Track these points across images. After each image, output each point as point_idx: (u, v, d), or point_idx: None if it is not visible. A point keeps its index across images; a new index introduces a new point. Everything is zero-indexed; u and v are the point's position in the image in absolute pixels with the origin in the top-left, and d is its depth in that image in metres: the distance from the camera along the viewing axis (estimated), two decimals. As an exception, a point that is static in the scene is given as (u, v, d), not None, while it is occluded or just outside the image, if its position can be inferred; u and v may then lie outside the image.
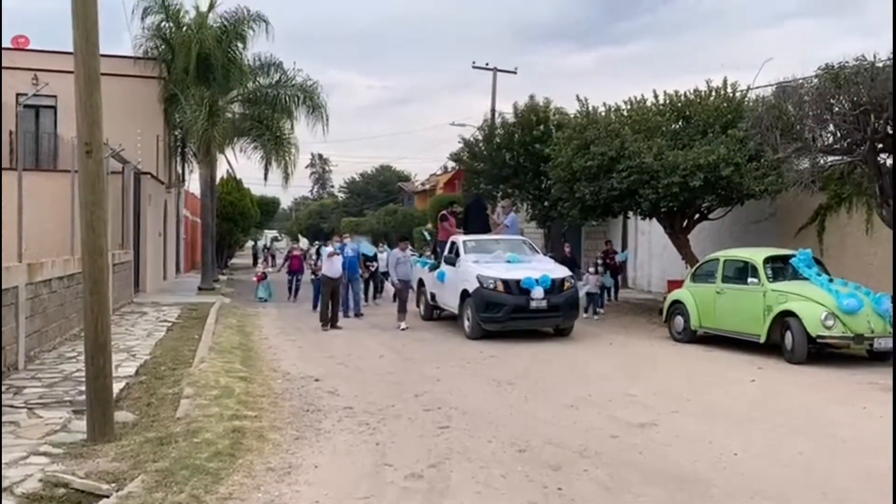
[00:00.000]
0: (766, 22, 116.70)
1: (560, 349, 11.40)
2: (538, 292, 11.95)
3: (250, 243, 56.00)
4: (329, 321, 13.84)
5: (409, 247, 15.16)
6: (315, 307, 16.29)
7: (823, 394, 8.21)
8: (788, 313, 10.20)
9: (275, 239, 56.38)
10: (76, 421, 6.24)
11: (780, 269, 11.19)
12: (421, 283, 15.56)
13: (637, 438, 6.26)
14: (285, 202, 74.10)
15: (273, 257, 35.99)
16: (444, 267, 14.00)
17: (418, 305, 15.65)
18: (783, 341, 10.28)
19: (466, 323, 12.54)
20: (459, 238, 14.15)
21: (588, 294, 15.79)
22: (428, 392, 8.05)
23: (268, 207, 46.10)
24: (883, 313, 10.01)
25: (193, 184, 31.05)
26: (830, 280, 10.65)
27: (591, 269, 16.37)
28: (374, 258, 18.99)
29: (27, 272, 9.09)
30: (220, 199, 29.65)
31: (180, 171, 28.04)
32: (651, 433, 6.43)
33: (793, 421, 6.90)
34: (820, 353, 10.09)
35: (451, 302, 13.51)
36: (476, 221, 16.00)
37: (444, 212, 16.74)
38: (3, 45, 12.39)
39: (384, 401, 7.55)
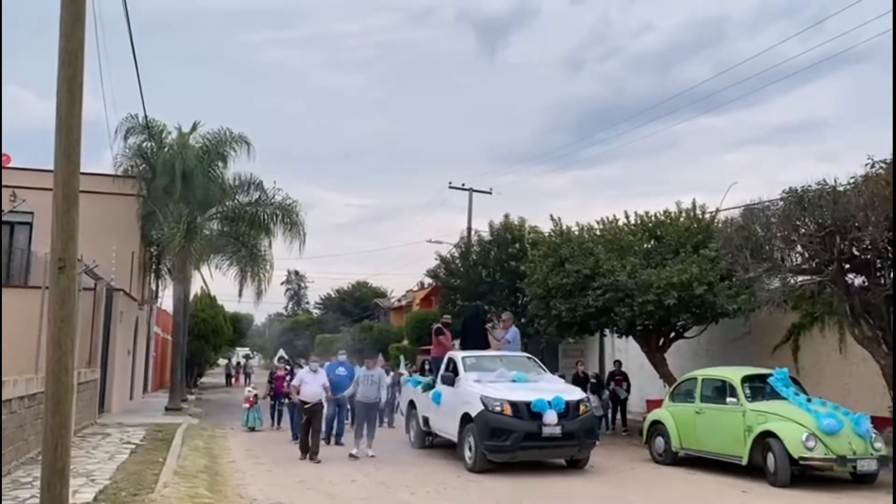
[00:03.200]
0: (727, 148, 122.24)
1: (538, 473, 11.02)
2: (551, 417, 10.56)
3: (222, 361, 54.84)
4: (308, 451, 12.12)
5: (381, 364, 13.46)
6: (296, 437, 14.24)
7: (811, 519, 7.97)
8: (769, 434, 10.04)
9: (247, 357, 55.28)
10: (25, 554, 5.81)
11: (759, 388, 11.11)
12: (412, 405, 13.96)
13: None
14: (259, 319, 73.52)
15: (248, 377, 34.58)
16: (440, 387, 12.53)
17: (408, 431, 14.14)
18: (765, 463, 10.07)
19: (468, 453, 11.02)
20: (457, 354, 12.77)
21: None
22: (403, 519, 7.68)
23: (241, 324, 45.62)
24: (863, 434, 9.89)
25: (166, 300, 30.76)
26: (809, 399, 10.58)
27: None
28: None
29: (-13, 392, 8.73)
30: (193, 317, 29.40)
31: (154, 288, 27.81)
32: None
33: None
34: (803, 475, 9.88)
35: (448, 427, 12.01)
36: (474, 336, 14.37)
37: (438, 324, 14.89)
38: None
39: (357, 529, 7.18)
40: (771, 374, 11.18)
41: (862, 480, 9.88)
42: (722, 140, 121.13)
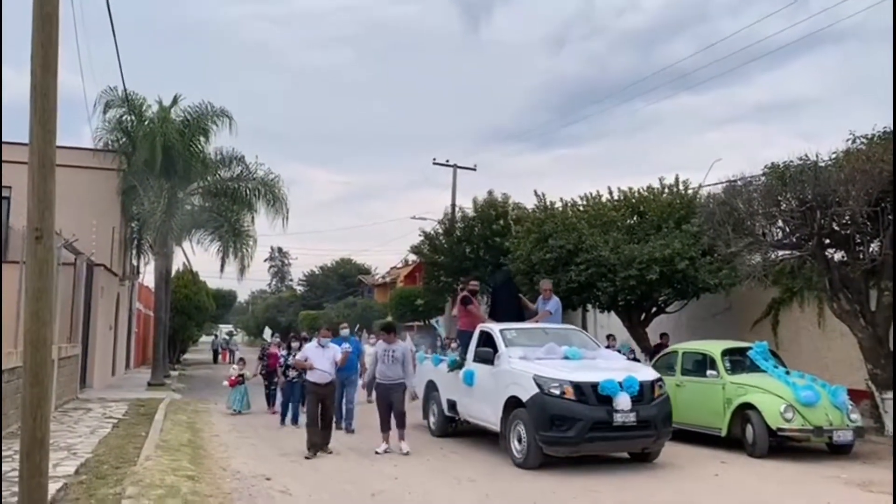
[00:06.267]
0: (710, 126, 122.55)
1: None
2: (624, 401, 8.70)
3: (205, 338, 54.57)
4: (317, 446, 10.14)
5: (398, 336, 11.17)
6: (283, 420, 13.36)
7: (787, 489, 8.11)
8: (748, 406, 10.20)
9: (230, 334, 55.07)
10: (6, 525, 5.80)
11: (738, 361, 11.25)
12: (432, 386, 12.21)
13: (602, 537, 6.04)
14: (242, 295, 73.26)
15: (233, 353, 33.93)
16: (472, 365, 10.71)
17: (426, 416, 12.42)
18: (744, 435, 10.23)
19: (516, 445, 9.19)
20: (494, 327, 10.81)
21: None
22: (385, 491, 7.73)
23: (224, 301, 45.44)
24: (840, 405, 10.08)
25: (148, 276, 30.57)
26: (787, 372, 10.74)
27: None
28: None
29: (-35, 365, 8.65)
30: (175, 292, 29.20)
31: (135, 264, 27.61)
32: (616, 531, 6.22)
33: (759, 516, 6.76)
34: (781, 446, 10.03)
35: (485, 413, 10.24)
36: (506, 306, 12.31)
37: (464, 293, 12.41)
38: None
39: (338, 500, 7.23)
40: (751, 348, 11.32)
41: (838, 451, 10.06)
42: (704, 118, 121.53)
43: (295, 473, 8.73)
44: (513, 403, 9.37)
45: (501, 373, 9.86)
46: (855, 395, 11.02)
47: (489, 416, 10.08)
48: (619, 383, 8.83)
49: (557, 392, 8.82)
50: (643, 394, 8.99)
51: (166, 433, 11.33)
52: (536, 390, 8.93)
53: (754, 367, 10.95)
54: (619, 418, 8.69)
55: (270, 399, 15.61)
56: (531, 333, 10.83)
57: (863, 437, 10.42)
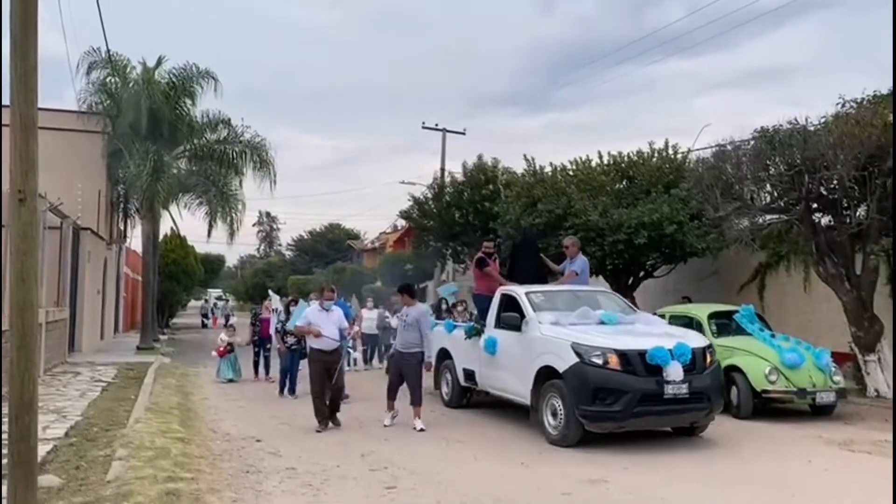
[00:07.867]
0: (699, 92, 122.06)
1: (509, 409, 11.16)
2: (675, 371, 7.88)
3: (194, 302, 54.51)
4: (327, 418, 9.33)
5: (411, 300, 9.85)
6: (283, 391, 12.51)
7: (771, 448, 8.24)
8: (734, 368, 10.32)
9: (219, 298, 54.92)
10: (-4, 487, 5.82)
11: (725, 324, 11.38)
12: (445, 354, 11.40)
13: (589, 495, 6.15)
14: (231, 260, 73.13)
15: (227, 318, 33.44)
16: (494, 332, 9.83)
17: (439, 387, 11.69)
18: (729, 396, 10.36)
19: (549, 420, 8.36)
20: (518, 290, 9.82)
21: None
22: (374, 452, 7.81)
23: (212, 265, 45.32)
24: (823, 367, 10.22)
25: (136, 241, 30.40)
26: (772, 335, 10.86)
27: None
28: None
29: (-49, 329, 8.60)
30: (163, 257, 29.13)
31: (122, 228, 27.45)
32: (603, 489, 6.33)
33: (741, 476, 6.89)
34: (765, 407, 10.20)
35: (511, 385, 9.42)
36: (526, 267, 11.11)
37: (480, 254, 11.40)
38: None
39: (329, 461, 7.29)
40: (737, 311, 11.42)
41: (820, 412, 10.24)
42: (695, 83, 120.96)
43: (285, 435, 8.81)
44: (545, 374, 8.50)
45: (531, 340, 8.96)
46: (839, 357, 11.18)
47: (516, 387, 9.25)
48: (670, 351, 7.99)
49: (600, 361, 7.97)
50: (695, 362, 8.14)
51: (156, 396, 11.38)
52: (575, 360, 8.06)
53: (740, 331, 11.07)
54: (670, 390, 7.87)
55: (259, 367, 14.94)
56: (560, 296, 9.88)
57: (845, 398, 10.59)
